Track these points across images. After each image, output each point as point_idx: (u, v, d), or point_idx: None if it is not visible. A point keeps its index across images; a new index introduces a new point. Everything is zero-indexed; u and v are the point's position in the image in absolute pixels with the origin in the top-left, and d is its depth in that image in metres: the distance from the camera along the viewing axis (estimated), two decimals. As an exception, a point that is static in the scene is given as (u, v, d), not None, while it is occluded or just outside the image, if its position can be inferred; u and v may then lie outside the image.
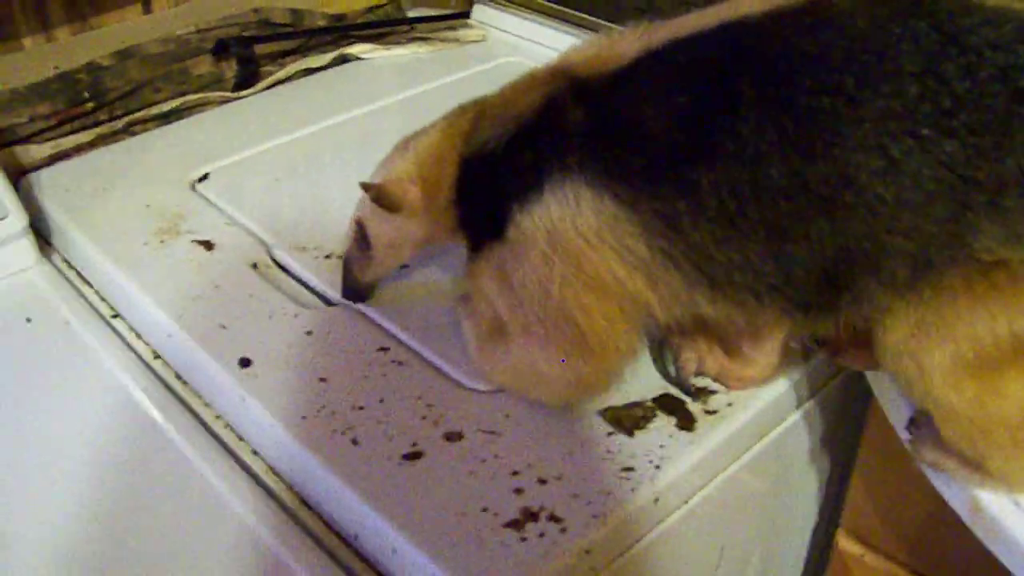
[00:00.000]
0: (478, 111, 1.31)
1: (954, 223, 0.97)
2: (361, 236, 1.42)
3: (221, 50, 2.15)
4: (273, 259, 1.66)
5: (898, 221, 0.98)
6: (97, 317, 1.63)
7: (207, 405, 1.45)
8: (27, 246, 1.73)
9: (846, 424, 1.63)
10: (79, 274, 1.74)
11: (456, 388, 1.37)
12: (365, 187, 1.35)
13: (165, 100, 2.08)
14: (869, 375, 1.36)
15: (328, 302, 1.56)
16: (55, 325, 1.61)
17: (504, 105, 1.26)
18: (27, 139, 1.96)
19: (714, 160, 1.02)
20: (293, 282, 1.61)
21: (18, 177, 1.87)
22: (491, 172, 1.23)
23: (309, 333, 1.46)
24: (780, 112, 1.00)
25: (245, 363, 1.41)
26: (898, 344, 1.06)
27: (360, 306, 1.52)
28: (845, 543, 1.67)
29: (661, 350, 1.40)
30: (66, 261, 1.77)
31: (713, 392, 1.37)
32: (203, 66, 2.15)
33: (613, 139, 1.10)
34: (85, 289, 1.70)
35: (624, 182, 1.08)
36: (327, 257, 1.63)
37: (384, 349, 1.43)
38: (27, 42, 2.12)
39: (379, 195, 1.34)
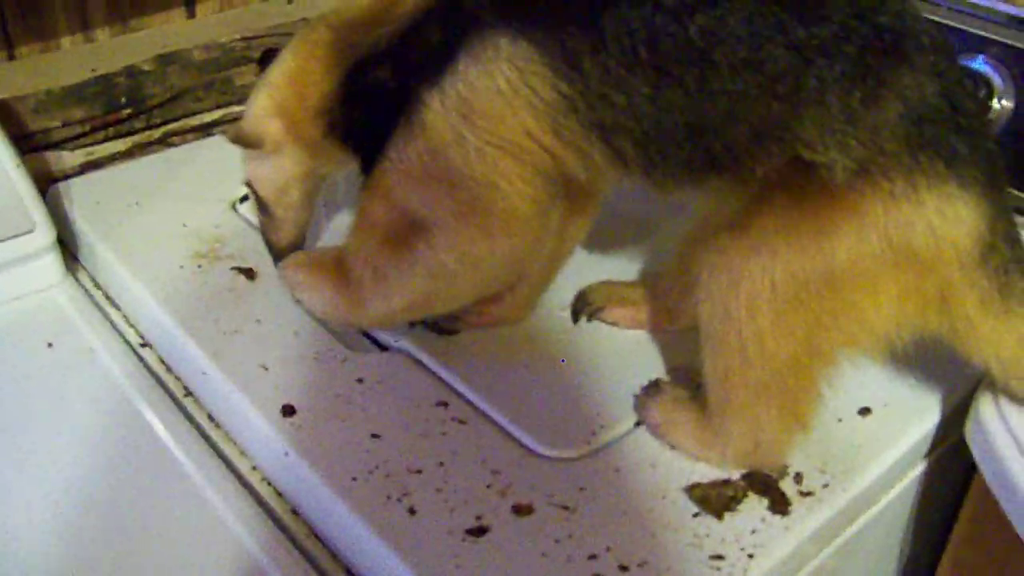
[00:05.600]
0: (337, 27, 1.34)
1: (789, 102, 1.11)
2: (254, 194, 1.46)
3: (268, 60, 2.02)
4: (320, 293, 1.52)
5: (749, 87, 1.11)
6: (124, 345, 1.50)
7: (243, 454, 1.32)
8: (53, 262, 1.60)
9: (939, 507, 1.50)
10: (107, 296, 1.61)
11: (524, 453, 1.24)
12: (224, 133, 1.40)
13: (207, 110, 1.96)
14: (975, 447, 1.26)
15: (381, 346, 1.43)
16: (78, 351, 1.47)
17: (378, 8, 1.30)
18: (59, 144, 1.84)
19: (619, 4, 1.13)
20: (342, 321, 1.47)
21: (47, 185, 1.75)
22: (386, 71, 1.27)
23: (360, 381, 1.33)
24: None
25: (288, 411, 1.28)
26: (716, 237, 1.17)
27: (418, 353, 1.39)
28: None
29: None
30: (93, 280, 1.65)
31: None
32: (248, 76, 2.03)
33: None
34: (113, 313, 1.58)
35: (538, 25, 1.15)
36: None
37: (443, 404, 1.30)
38: (66, 42, 2.01)
39: (236, 137, 1.39)
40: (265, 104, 1.38)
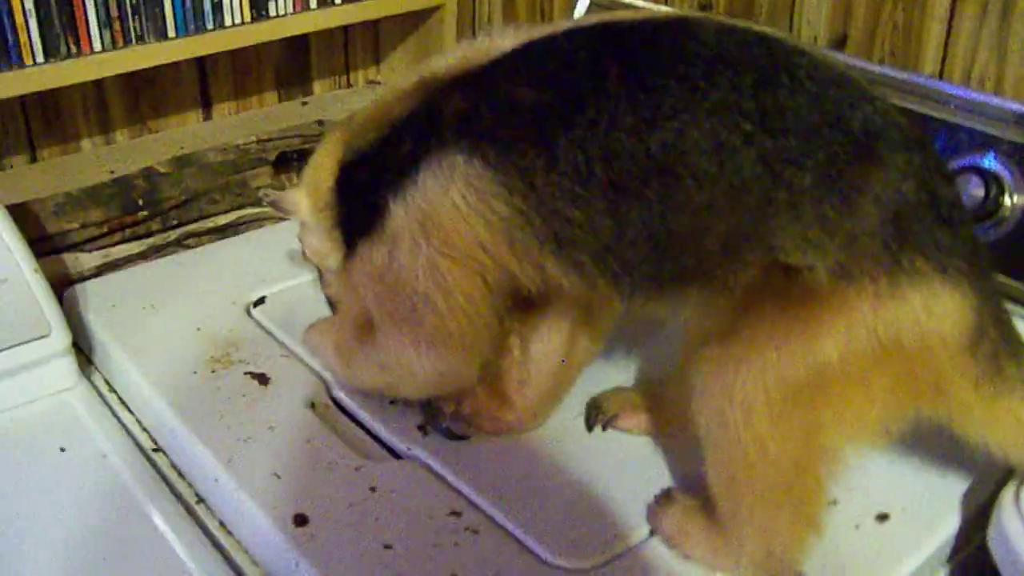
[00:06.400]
0: (348, 127, 1.42)
1: (760, 212, 1.11)
2: (303, 251, 1.54)
3: (283, 163, 2.06)
4: (333, 399, 1.53)
5: (716, 199, 1.11)
6: (136, 450, 1.49)
7: (255, 564, 1.30)
8: (68, 366, 1.60)
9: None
10: (120, 399, 1.61)
11: (538, 564, 1.22)
12: (266, 194, 1.52)
13: (222, 212, 1.99)
14: (997, 555, 1.24)
15: (394, 454, 1.42)
16: (90, 457, 1.47)
17: (377, 113, 1.36)
18: (77, 246, 1.87)
19: (573, 124, 1.14)
20: (355, 427, 1.48)
21: (63, 287, 1.77)
22: (366, 173, 1.34)
23: (373, 489, 1.32)
24: (637, 88, 1.14)
25: (301, 520, 1.27)
26: (705, 348, 1.17)
27: (431, 461, 1.38)
28: None
29: None
30: (108, 383, 1.65)
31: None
32: (263, 178, 2.06)
33: (487, 112, 1.21)
34: (126, 416, 1.57)
35: (493, 146, 1.18)
36: (392, 402, 1.49)
37: (456, 514, 1.28)
38: (86, 143, 2.05)
39: (272, 203, 1.51)
40: (303, 180, 1.48)
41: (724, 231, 1.13)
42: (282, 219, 2.01)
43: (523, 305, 1.40)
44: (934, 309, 1.12)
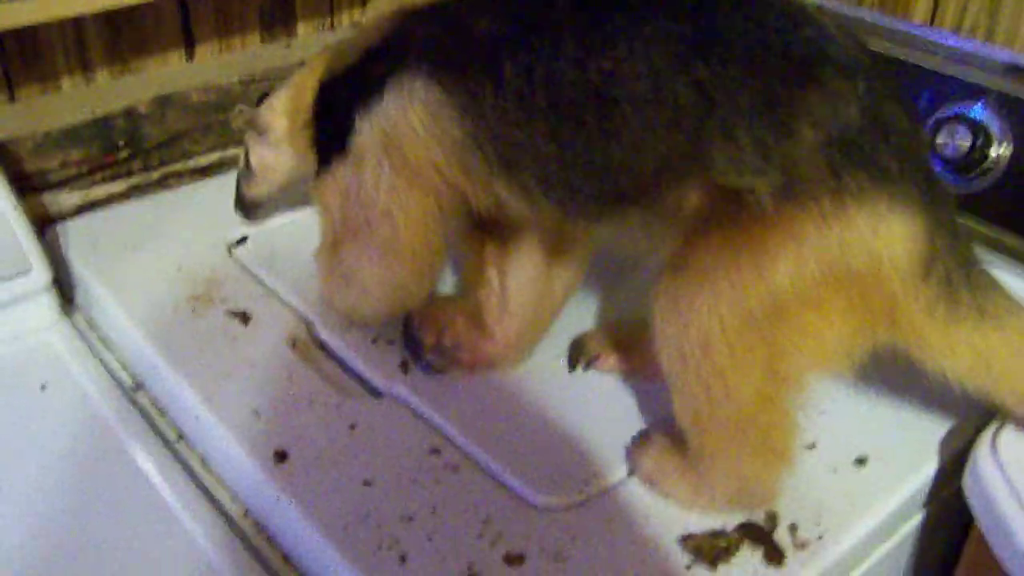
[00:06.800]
0: (332, 51, 1.46)
1: (695, 136, 1.12)
2: (245, 156, 1.60)
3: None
4: (314, 338, 1.53)
5: (651, 123, 1.13)
6: (117, 388, 1.49)
7: (235, 500, 1.31)
8: (49, 303, 1.60)
9: (938, 557, 1.48)
10: (101, 337, 1.60)
11: (517, 502, 1.23)
12: (241, 111, 1.58)
13: (204, 153, 1.97)
14: (973, 500, 1.25)
15: (375, 392, 1.42)
16: (71, 394, 1.47)
17: (357, 38, 1.41)
18: (57, 185, 1.85)
19: (520, 51, 1.19)
20: (336, 366, 1.47)
21: (44, 227, 1.75)
22: (342, 93, 1.38)
23: (353, 427, 1.32)
24: (583, 16, 1.17)
25: (281, 457, 1.27)
26: (660, 281, 1.17)
27: (412, 400, 1.38)
28: None
29: (408, 318, 1.46)
30: (88, 321, 1.64)
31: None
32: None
33: (448, 40, 1.26)
34: (106, 355, 1.57)
35: (450, 72, 1.24)
36: (374, 341, 1.49)
37: (436, 451, 1.29)
38: (66, 82, 2.01)
39: (249, 120, 1.56)
40: (281, 101, 1.52)
41: (660, 154, 1.15)
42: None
43: (496, 235, 1.42)
44: (881, 231, 1.11)
